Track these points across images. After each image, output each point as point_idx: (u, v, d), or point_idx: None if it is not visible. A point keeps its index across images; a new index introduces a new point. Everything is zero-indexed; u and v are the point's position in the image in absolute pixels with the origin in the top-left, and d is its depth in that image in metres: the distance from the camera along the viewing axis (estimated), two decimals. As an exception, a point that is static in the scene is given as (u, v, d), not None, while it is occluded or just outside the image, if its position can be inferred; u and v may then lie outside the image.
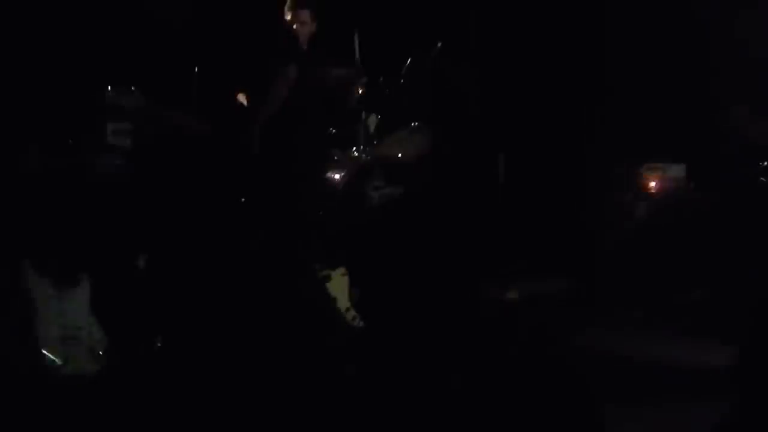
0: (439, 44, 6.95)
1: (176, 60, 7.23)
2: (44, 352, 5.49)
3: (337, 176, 6.92)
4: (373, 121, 6.93)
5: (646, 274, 6.16)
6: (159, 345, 5.81)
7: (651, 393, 5.16)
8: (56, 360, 5.51)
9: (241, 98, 6.86)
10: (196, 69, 7.01)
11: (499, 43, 6.71)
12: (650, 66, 6.88)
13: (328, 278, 6.21)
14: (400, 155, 6.75)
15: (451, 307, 5.94)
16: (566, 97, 6.46)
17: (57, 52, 6.99)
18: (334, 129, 6.94)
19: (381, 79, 6.76)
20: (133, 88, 6.94)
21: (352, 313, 6.15)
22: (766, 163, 6.52)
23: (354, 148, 7.03)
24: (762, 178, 6.46)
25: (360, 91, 6.92)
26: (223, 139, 6.86)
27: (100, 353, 5.63)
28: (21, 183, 6.24)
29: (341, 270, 6.22)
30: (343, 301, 6.17)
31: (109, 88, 6.93)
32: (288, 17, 6.76)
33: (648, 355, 5.55)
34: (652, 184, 6.53)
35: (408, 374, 5.34)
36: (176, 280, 6.16)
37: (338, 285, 6.20)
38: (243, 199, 6.62)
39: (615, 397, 4.94)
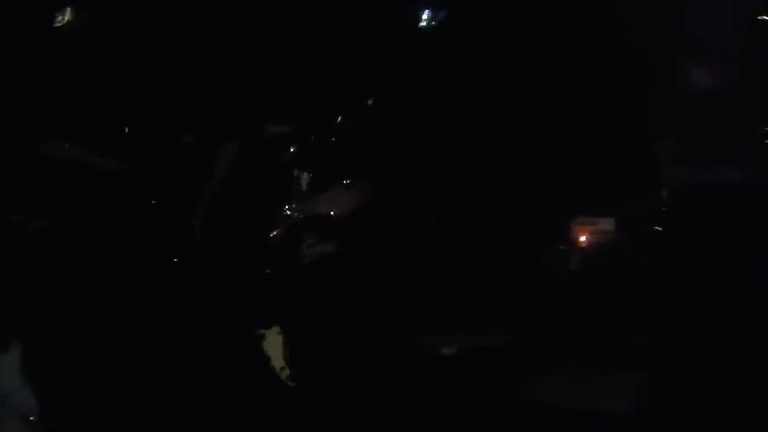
0: (372, 99, 6.85)
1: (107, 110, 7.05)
2: None
3: (269, 234, 6.79)
4: (305, 178, 6.82)
5: (580, 324, 6.02)
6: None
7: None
8: None
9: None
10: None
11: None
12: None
13: (263, 337, 6.16)
14: (332, 212, 6.61)
15: (389, 361, 5.94)
16: (505, 149, 6.36)
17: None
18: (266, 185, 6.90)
19: (312, 135, 6.61)
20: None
21: (286, 371, 6.10)
22: None
23: (286, 206, 6.90)
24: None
25: (291, 149, 6.84)
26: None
27: (31, 418, 5.62)
28: None
29: (276, 329, 6.17)
30: (277, 360, 6.14)
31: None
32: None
33: (576, 404, 5.60)
34: (582, 238, 6.44)
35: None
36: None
37: (273, 343, 6.14)
38: (175, 259, 6.46)
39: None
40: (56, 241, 6.48)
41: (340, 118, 6.72)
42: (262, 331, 6.14)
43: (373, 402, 5.78)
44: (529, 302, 6.18)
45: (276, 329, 6.14)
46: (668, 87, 6.60)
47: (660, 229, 6.32)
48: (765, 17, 6.35)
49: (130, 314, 6.22)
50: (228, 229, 6.64)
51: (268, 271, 6.47)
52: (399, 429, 5.70)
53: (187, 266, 6.63)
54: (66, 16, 7.13)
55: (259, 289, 6.36)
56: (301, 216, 6.66)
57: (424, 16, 6.74)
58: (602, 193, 6.48)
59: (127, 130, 6.97)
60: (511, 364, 5.86)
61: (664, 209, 6.40)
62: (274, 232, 6.69)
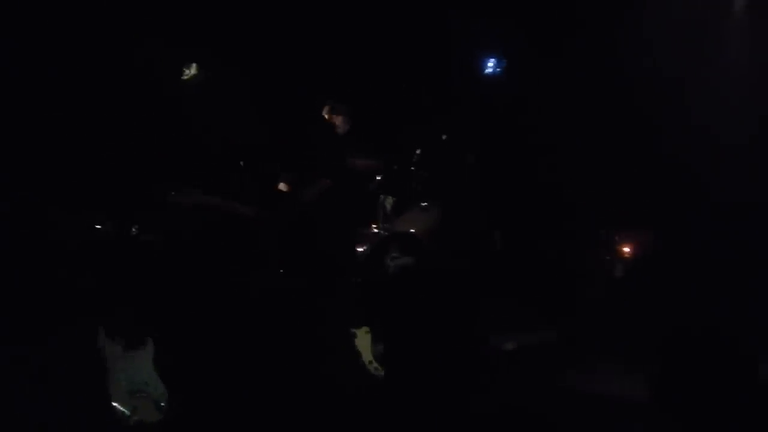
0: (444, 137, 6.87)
1: (228, 159, 7.04)
2: (114, 404, 5.34)
3: (359, 248, 6.79)
4: (389, 201, 6.83)
5: (622, 324, 5.92)
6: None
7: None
8: (125, 411, 5.37)
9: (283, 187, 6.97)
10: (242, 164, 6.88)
11: (493, 134, 6.56)
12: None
13: (354, 336, 6.16)
14: (412, 230, 6.60)
15: (462, 356, 5.79)
16: (555, 175, 6.32)
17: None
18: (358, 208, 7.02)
19: (395, 167, 6.62)
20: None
21: (375, 365, 6.11)
22: None
23: (374, 225, 6.89)
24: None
25: (378, 178, 6.84)
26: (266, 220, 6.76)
27: (162, 404, 5.45)
28: (96, 261, 6.11)
29: (365, 328, 6.17)
30: (366, 355, 6.12)
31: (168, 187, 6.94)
32: (326, 120, 7.01)
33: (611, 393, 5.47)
34: (626, 249, 6.37)
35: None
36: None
37: (362, 341, 6.13)
38: (281, 270, 6.58)
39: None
40: (181, 261, 6.50)
41: (416, 153, 6.72)
42: (354, 330, 6.14)
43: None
44: (573, 306, 6.04)
45: (365, 329, 6.14)
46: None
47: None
48: None
49: (240, 319, 6.12)
50: (324, 245, 6.59)
51: (358, 279, 6.41)
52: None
53: (291, 276, 6.51)
54: (191, 71, 7.29)
55: (352, 295, 6.37)
56: (385, 233, 6.67)
57: (489, 65, 6.71)
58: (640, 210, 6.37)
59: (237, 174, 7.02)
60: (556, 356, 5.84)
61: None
62: (364, 247, 6.70)
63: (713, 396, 5.01)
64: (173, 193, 6.70)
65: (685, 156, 6.60)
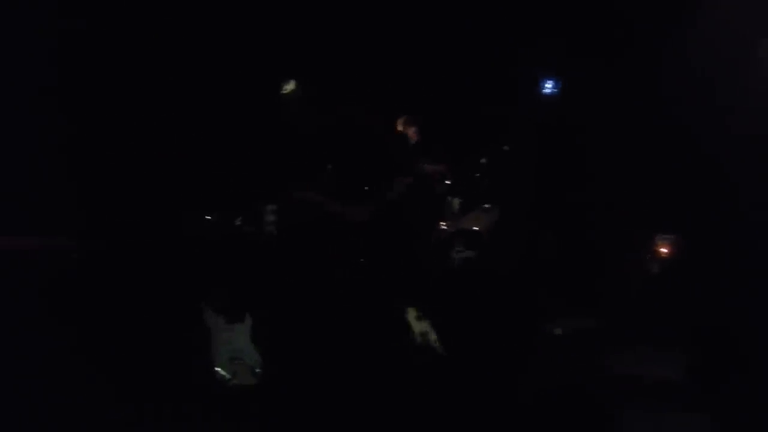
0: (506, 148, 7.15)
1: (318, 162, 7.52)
2: (217, 369, 5.77)
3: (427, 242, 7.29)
4: (456, 203, 7.28)
5: (658, 315, 6.23)
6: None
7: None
8: (225, 375, 5.78)
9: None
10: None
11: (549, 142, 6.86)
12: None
13: (421, 317, 6.49)
14: (475, 228, 6.94)
15: (516, 339, 6.13)
16: (599, 183, 6.59)
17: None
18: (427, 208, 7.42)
19: (462, 173, 7.03)
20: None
21: (439, 344, 6.40)
22: None
23: (442, 222, 7.37)
24: None
25: (447, 182, 7.40)
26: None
27: (257, 370, 5.84)
28: (201, 246, 6.55)
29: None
30: (432, 335, 6.42)
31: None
32: (400, 131, 7.53)
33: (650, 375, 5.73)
34: (663, 249, 6.60)
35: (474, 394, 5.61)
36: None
37: (429, 323, 6.48)
38: (361, 259, 6.99)
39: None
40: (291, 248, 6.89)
41: (481, 162, 7.00)
42: (419, 313, 6.46)
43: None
44: (615, 297, 6.36)
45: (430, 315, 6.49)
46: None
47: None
48: None
49: (328, 302, 6.47)
50: (400, 239, 7.03)
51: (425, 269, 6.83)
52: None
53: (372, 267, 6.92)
54: (290, 86, 7.62)
55: (420, 283, 6.69)
56: (451, 230, 7.01)
57: (548, 85, 6.94)
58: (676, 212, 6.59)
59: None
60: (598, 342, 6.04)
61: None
62: (432, 242, 7.08)
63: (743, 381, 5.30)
64: (286, 190, 7.15)
65: (728, 161, 6.72)
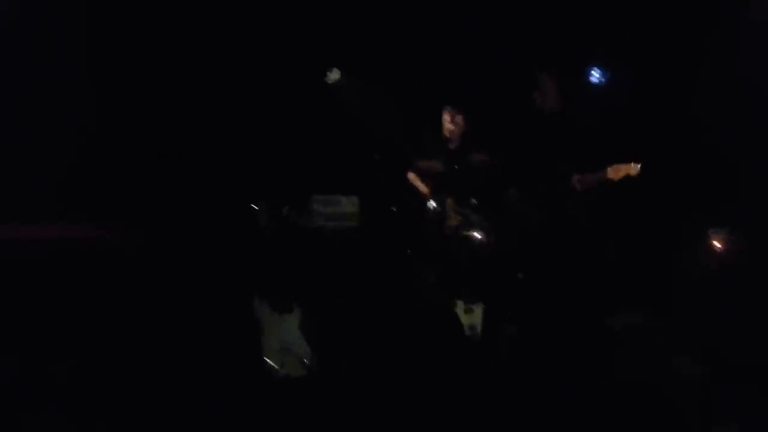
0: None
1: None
2: (266, 359, 5.83)
3: (476, 234, 7.19)
4: (514, 192, 7.23)
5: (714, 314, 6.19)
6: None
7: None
8: (275, 365, 5.84)
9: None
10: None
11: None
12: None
13: (470, 310, 6.53)
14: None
15: (578, 331, 6.12)
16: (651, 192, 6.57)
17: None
18: (475, 199, 7.35)
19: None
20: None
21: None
22: None
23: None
24: None
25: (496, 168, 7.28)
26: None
27: (306, 361, 5.90)
28: (254, 238, 6.49)
29: (481, 305, 6.55)
30: (481, 328, 6.48)
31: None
32: (446, 119, 7.43)
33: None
34: (717, 244, 6.56)
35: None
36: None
37: (479, 316, 6.51)
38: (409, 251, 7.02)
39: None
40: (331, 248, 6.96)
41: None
42: (471, 306, 6.50)
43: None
44: (664, 294, 6.34)
45: (481, 305, 6.51)
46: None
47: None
48: None
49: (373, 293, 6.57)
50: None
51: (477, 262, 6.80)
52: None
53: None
54: (334, 75, 7.64)
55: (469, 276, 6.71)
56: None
57: (595, 74, 6.88)
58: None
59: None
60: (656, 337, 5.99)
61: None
62: (482, 234, 7.11)
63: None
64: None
65: None
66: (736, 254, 6.42)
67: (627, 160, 6.28)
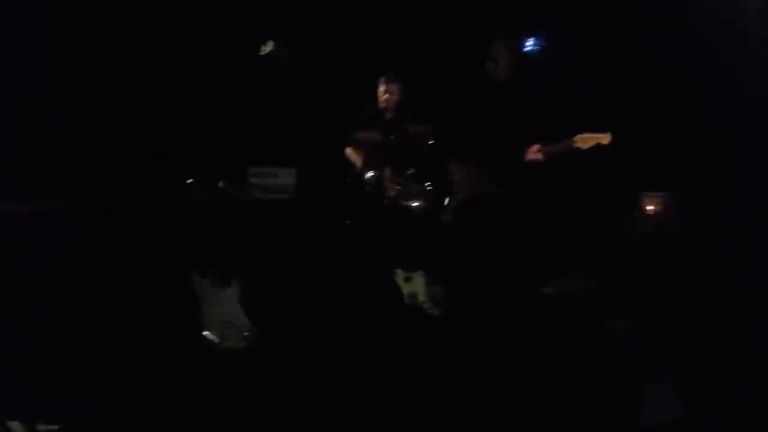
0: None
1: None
2: (206, 333, 5.76)
3: (414, 204, 7.22)
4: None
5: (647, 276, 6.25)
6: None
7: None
8: (215, 339, 5.77)
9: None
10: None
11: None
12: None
13: (410, 279, 6.51)
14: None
15: (508, 299, 6.07)
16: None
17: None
18: (413, 169, 7.33)
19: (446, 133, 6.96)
20: None
21: (428, 304, 6.43)
22: None
23: (428, 183, 7.30)
24: None
25: (431, 142, 7.23)
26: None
27: (245, 334, 5.82)
28: (190, 212, 6.41)
29: (420, 272, 6.52)
30: (421, 296, 6.46)
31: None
32: (381, 89, 7.39)
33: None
34: (650, 207, 6.57)
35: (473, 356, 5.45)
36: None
37: (418, 284, 6.49)
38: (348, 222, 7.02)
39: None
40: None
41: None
42: (411, 274, 6.47)
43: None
44: (604, 259, 6.38)
45: (420, 272, 6.48)
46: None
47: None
48: None
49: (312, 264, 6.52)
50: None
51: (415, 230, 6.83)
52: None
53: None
54: (269, 48, 7.58)
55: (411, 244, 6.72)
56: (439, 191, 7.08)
57: (528, 44, 6.84)
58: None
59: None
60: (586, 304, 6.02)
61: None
62: (420, 203, 7.17)
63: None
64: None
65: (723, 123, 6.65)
66: (669, 217, 6.44)
67: (593, 129, 6.02)
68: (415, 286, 6.46)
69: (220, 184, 6.87)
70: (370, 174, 7.25)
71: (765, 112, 6.62)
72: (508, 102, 6.36)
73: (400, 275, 6.50)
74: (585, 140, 6.04)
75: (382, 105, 7.38)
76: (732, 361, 4.99)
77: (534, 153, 6.22)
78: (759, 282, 5.82)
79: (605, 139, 5.96)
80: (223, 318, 5.84)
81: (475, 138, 6.33)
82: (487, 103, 6.35)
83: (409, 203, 7.17)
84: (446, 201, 6.83)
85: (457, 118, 6.52)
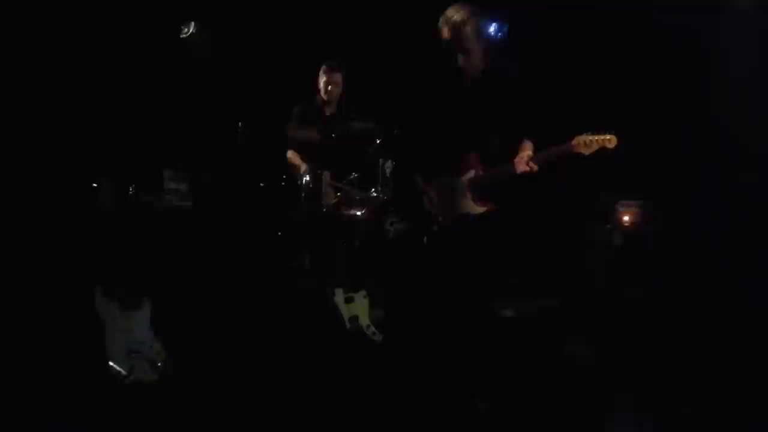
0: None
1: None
2: (111, 363, 5.27)
3: (358, 213, 6.65)
4: (389, 166, 6.67)
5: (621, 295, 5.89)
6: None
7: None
8: (121, 371, 5.30)
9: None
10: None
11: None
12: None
13: (351, 299, 6.13)
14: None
15: (461, 321, 5.61)
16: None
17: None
18: (356, 172, 6.82)
19: (395, 131, 6.42)
20: None
21: (372, 329, 6.06)
22: None
23: (372, 189, 6.78)
24: None
25: (378, 141, 6.70)
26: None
27: (159, 365, 5.40)
28: (95, 221, 6.05)
29: (363, 292, 6.14)
30: (363, 319, 6.09)
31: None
32: (323, 79, 6.92)
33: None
34: (626, 218, 6.23)
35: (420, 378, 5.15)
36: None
37: (360, 305, 6.12)
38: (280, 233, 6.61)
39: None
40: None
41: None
42: (352, 294, 6.11)
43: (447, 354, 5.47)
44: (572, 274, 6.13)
45: (363, 293, 6.11)
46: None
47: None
48: None
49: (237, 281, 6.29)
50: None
51: (357, 244, 6.36)
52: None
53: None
54: (190, 29, 7.22)
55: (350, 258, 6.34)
56: (385, 197, 6.56)
57: (492, 29, 6.37)
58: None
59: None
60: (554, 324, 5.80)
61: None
62: (363, 211, 6.57)
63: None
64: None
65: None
66: (643, 228, 6.14)
67: (592, 129, 5.23)
68: (356, 308, 6.10)
69: (130, 189, 6.43)
70: (306, 178, 6.62)
71: (739, 121, 6.50)
72: (488, 102, 5.63)
73: (339, 295, 6.12)
74: (587, 144, 5.18)
75: (322, 97, 6.89)
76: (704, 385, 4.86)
77: (524, 165, 5.39)
78: (731, 308, 5.65)
79: (611, 141, 5.14)
80: (132, 346, 5.38)
81: (445, 146, 5.66)
82: (458, 104, 5.64)
83: (351, 212, 6.63)
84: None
85: (406, 116, 5.97)
